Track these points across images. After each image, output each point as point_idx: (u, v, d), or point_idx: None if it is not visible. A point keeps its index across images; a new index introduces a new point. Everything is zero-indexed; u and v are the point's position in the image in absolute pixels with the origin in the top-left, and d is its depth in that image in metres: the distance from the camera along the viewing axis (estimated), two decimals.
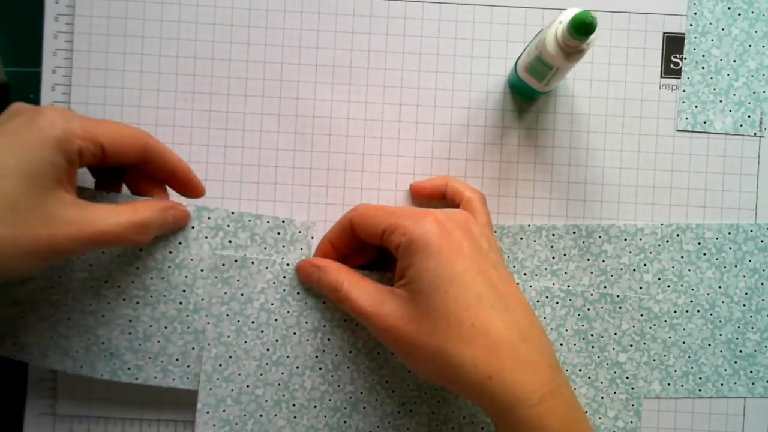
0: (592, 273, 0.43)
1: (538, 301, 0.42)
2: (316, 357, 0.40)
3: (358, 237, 0.38)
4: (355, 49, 0.43)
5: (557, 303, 0.42)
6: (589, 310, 0.42)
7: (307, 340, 0.40)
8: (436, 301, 0.33)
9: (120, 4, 0.43)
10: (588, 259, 0.43)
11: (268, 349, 0.40)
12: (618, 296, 0.42)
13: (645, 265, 0.43)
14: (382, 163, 0.43)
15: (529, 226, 0.43)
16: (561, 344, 0.42)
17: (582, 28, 0.33)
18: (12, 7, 0.43)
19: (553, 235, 0.43)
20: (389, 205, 0.43)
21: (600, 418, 0.42)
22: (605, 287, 0.43)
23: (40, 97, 0.42)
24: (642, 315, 0.42)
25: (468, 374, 0.32)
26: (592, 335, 0.42)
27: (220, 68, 0.43)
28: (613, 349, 0.42)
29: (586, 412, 0.42)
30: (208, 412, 0.40)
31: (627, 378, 0.42)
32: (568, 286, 0.43)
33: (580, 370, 0.42)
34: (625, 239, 0.43)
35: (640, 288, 0.43)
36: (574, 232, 0.43)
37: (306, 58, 0.43)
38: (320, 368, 0.41)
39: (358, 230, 0.38)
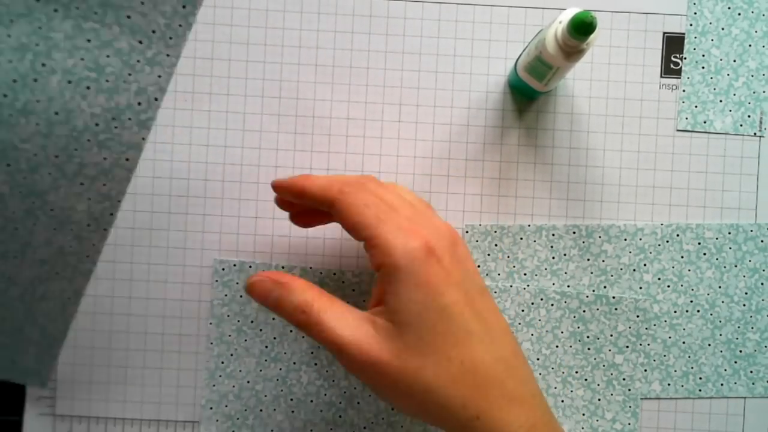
0: (592, 273, 0.43)
1: (533, 303, 0.42)
2: (312, 353, 0.42)
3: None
4: (355, 49, 0.43)
5: (552, 305, 0.42)
6: (584, 311, 0.42)
7: (303, 336, 0.42)
8: (426, 336, 0.30)
9: None
10: (588, 259, 0.43)
11: (266, 347, 0.41)
12: (614, 298, 0.42)
13: (645, 265, 0.43)
14: (382, 163, 0.43)
15: (529, 226, 0.43)
16: (557, 346, 0.42)
17: (582, 28, 0.33)
18: None
19: (553, 235, 0.43)
20: None
21: (597, 420, 0.42)
22: (605, 287, 0.43)
23: None
24: (638, 316, 0.42)
25: (456, 415, 0.31)
26: (588, 337, 0.42)
27: (220, 68, 0.43)
28: (609, 350, 0.42)
29: (583, 414, 0.42)
30: (211, 408, 0.41)
31: (624, 379, 0.42)
32: (568, 286, 0.43)
33: (576, 372, 0.42)
34: (625, 239, 0.43)
35: (640, 288, 0.43)
36: (574, 232, 0.43)
37: (306, 58, 0.43)
38: (315, 363, 0.42)
39: (338, 216, 0.33)
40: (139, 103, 0.31)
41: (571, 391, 0.42)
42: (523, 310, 0.42)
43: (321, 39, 0.43)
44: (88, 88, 0.30)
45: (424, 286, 0.31)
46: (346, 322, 0.31)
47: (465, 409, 0.30)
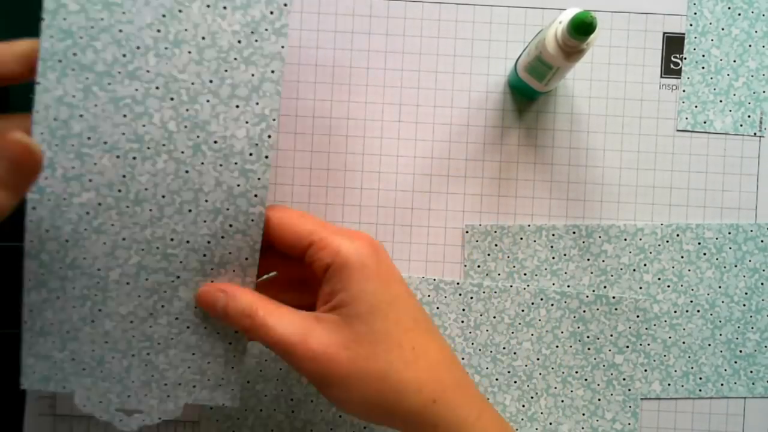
0: (592, 273, 0.43)
1: (533, 303, 0.42)
2: None
3: (268, 244, 0.34)
4: (355, 49, 0.43)
5: (552, 305, 0.42)
6: (584, 311, 0.42)
7: None
8: (376, 324, 0.31)
9: None
10: (588, 259, 0.43)
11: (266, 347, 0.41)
12: (614, 297, 0.42)
13: (645, 265, 0.43)
14: (382, 163, 0.43)
15: (529, 226, 0.43)
16: (557, 346, 0.42)
17: (582, 28, 0.33)
18: (11, 7, 0.43)
19: (553, 235, 0.43)
20: (389, 205, 0.43)
21: (597, 420, 0.42)
22: (605, 287, 0.43)
23: None
24: (638, 316, 0.42)
25: (411, 399, 0.31)
26: (588, 337, 0.42)
27: None
28: (610, 350, 0.42)
29: (583, 414, 0.42)
30: (211, 408, 0.41)
31: (624, 380, 0.42)
32: (568, 286, 0.43)
33: (576, 372, 0.42)
34: (625, 239, 0.43)
35: (640, 288, 0.43)
36: (574, 232, 0.43)
37: (306, 58, 0.43)
38: None
39: (276, 235, 0.34)
40: (271, 12, 0.33)
41: (571, 391, 0.42)
42: (523, 310, 0.42)
43: (321, 39, 0.43)
44: (224, 8, 0.32)
45: (375, 278, 0.32)
46: (290, 321, 0.32)
47: (420, 392, 0.31)
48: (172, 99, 0.32)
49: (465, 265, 0.43)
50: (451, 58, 0.43)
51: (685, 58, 0.43)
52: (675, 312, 0.43)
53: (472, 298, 0.42)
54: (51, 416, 0.42)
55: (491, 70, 0.43)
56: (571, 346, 0.42)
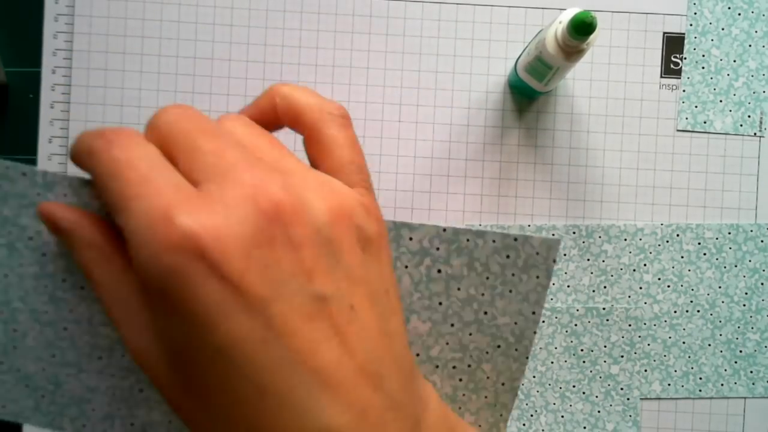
0: (592, 273, 0.43)
1: None
2: None
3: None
4: (355, 49, 0.43)
5: (543, 321, 0.42)
6: (576, 325, 0.42)
7: None
8: None
9: (120, 4, 0.43)
10: (588, 259, 0.43)
11: None
12: (604, 309, 0.42)
13: (645, 265, 0.43)
14: (382, 163, 0.43)
15: (529, 226, 0.43)
16: (552, 362, 0.42)
17: (582, 28, 0.33)
18: (12, 7, 0.43)
19: (553, 235, 0.43)
20: (389, 205, 0.43)
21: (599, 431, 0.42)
22: (605, 287, 0.43)
23: (40, 97, 0.42)
24: (630, 325, 0.42)
25: None
26: (582, 350, 0.42)
27: (220, 68, 0.43)
28: (605, 361, 0.42)
29: (584, 427, 0.42)
30: None
31: (621, 389, 0.42)
32: (568, 286, 0.43)
33: (573, 386, 0.42)
34: (625, 239, 0.43)
35: (640, 288, 0.43)
36: (574, 232, 0.43)
37: (306, 58, 0.43)
38: None
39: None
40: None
41: (570, 406, 0.42)
42: None
43: (321, 39, 0.43)
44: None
45: None
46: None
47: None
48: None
49: None
50: (451, 58, 0.43)
51: (685, 58, 0.43)
52: (675, 312, 0.43)
53: None
54: None
55: (491, 70, 0.43)
56: (566, 361, 0.42)
